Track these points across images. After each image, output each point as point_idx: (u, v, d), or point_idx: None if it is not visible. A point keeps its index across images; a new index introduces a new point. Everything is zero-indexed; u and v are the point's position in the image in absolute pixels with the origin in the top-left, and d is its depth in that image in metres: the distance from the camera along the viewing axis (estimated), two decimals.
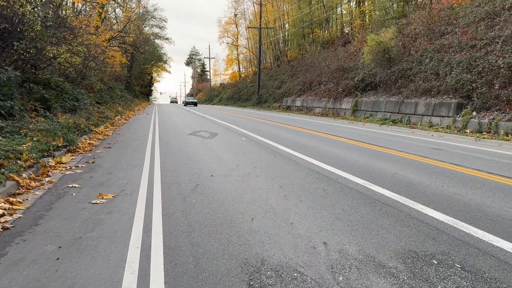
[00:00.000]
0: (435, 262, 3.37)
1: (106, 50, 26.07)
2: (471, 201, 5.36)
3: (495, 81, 15.41)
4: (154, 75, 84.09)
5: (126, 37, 38.34)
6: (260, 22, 49.03)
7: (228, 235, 3.99)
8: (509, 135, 13.54)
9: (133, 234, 3.98)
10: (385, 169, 7.63)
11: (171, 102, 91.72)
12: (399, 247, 3.70)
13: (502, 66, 15.16)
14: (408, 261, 3.39)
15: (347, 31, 40.29)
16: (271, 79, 49.37)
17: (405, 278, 3.08)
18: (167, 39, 59.92)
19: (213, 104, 68.18)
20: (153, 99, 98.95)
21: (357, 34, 33.50)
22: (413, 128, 17.74)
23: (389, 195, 5.60)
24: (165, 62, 71.55)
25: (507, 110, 14.51)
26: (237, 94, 60.98)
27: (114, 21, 41.84)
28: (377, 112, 22.26)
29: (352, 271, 3.19)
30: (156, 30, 57.07)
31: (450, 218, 4.56)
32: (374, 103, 22.78)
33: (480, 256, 3.52)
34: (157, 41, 60.55)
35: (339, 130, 16.78)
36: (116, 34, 35.22)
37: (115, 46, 34.20)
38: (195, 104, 56.00)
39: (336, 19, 42.78)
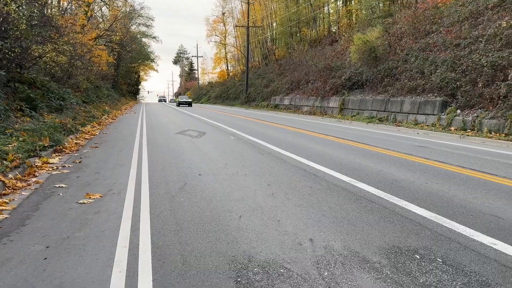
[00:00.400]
0: (417, 256, 3.47)
1: (93, 49, 25.83)
2: (454, 197, 5.49)
3: (478, 80, 15.70)
4: (142, 73, 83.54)
5: (112, 36, 38.02)
6: (248, 20, 49.04)
7: (216, 233, 4.03)
8: (492, 133, 13.82)
9: (121, 233, 4.00)
10: (371, 166, 7.74)
11: (159, 101, 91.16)
12: (383, 242, 3.79)
13: (485, 65, 15.45)
14: (391, 256, 3.48)
15: (334, 30, 40.56)
16: (259, 77, 49.43)
17: (389, 272, 3.16)
18: (154, 37, 59.69)
19: (201, 103, 68.02)
20: (141, 98, 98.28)
21: (344, 33, 33.74)
22: (399, 126, 17.98)
23: (374, 192, 5.70)
24: (152, 60, 71.14)
25: (490, 108, 14.81)
26: (226, 92, 60.92)
27: (101, 20, 41.45)
28: (364, 110, 22.49)
29: (337, 267, 3.26)
30: (143, 28, 56.77)
31: (433, 214, 4.67)
32: (361, 102, 23.01)
33: (461, 250, 3.63)
34: (144, 39, 60.26)
35: (326, 128, 16.92)
36: (102, 32, 34.90)
37: (101, 45, 33.88)
38: (189, 104, 49.44)
39: (323, 18, 43.01)
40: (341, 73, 26.82)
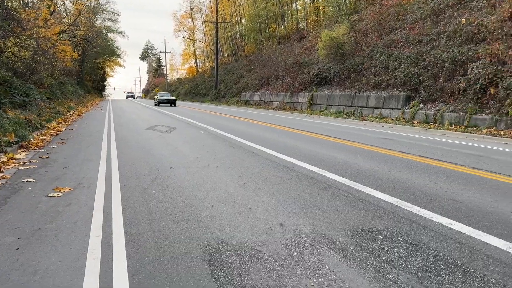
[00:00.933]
0: (380, 237, 3.69)
1: (56, 44, 25.08)
2: (416, 183, 5.80)
3: (440, 75, 16.38)
4: (107, 69, 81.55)
5: (77, 31, 36.97)
6: (217, 16, 48.84)
7: (189, 221, 4.12)
8: (453, 125, 14.49)
9: (93, 224, 4.02)
10: (338, 157, 8.01)
11: (127, 98, 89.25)
12: (348, 225, 4.00)
13: (446, 60, 16.14)
14: (356, 237, 3.69)
15: (302, 27, 41.04)
16: (229, 73, 49.38)
17: (353, 251, 3.36)
18: (120, 32, 58.30)
19: None
20: (107, 95, 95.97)
21: (312, 30, 34.24)
22: (365, 120, 18.51)
23: (341, 180, 5.94)
24: (118, 56, 69.57)
25: (451, 101, 15.50)
26: (195, 89, 60.48)
27: (64, 14, 40.18)
28: (332, 105, 22.97)
29: (305, 247, 3.43)
30: (108, 23, 55.34)
31: (395, 199, 4.94)
32: (329, 97, 23.48)
33: (420, 230, 3.88)
34: (109, 34, 58.78)
35: (296, 123, 17.21)
36: (66, 27, 33.90)
37: (65, 40, 32.90)
38: (172, 103, 37.33)
39: (292, 14, 43.42)
40: (309, 69, 27.24)
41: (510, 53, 13.79)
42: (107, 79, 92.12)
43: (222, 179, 6.03)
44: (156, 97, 40.80)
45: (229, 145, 9.76)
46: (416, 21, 20.39)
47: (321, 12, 36.72)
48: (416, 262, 3.14)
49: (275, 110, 28.88)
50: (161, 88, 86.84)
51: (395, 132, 13.72)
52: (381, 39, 21.77)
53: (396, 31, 21.18)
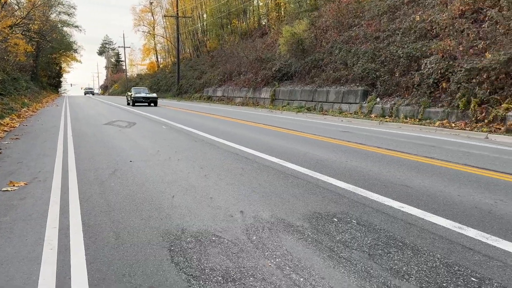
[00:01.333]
0: (335, 220, 3.85)
1: (8, 37, 23.87)
2: (370, 171, 6.05)
3: (395, 70, 17.01)
4: (63, 65, 78.50)
5: (30, 24, 35.30)
6: (177, 10, 48.13)
7: (149, 211, 4.12)
8: (408, 118, 15.11)
9: (49, 216, 3.94)
10: (298, 149, 8.20)
11: (85, 94, 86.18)
12: (306, 210, 4.14)
13: (401, 56, 16.76)
14: (313, 220, 3.83)
15: (264, 23, 41.23)
16: (191, 69, 48.86)
17: (310, 233, 3.49)
18: (76, 26, 56.25)
19: None
20: (63, 91, 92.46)
21: (273, 26, 34.49)
22: (326, 114, 18.93)
23: (300, 170, 6.10)
24: (75, 51, 67.08)
25: (406, 95, 16.14)
26: (156, 84, 59.36)
27: (16, 7, 38.25)
28: (294, 100, 23.29)
29: (264, 232, 3.53)
30: (64, 17, 53.21)
31: (351, 185, 5.14)
32: (291, 92, 23.80)
33: (373, 213, 4.08)
34: (65, 28, 56.53)
35: (259, 117, 17.36)
36: (19, 20, 32.28)
37: (18, 34, 31.37)
38: (151, 102, 27.78)
39: (253, 10, 43.52)
40: (271, 65, 27.46)
41: (460, 48, 14.54)
42: (64, 75, 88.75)
43: (184, 171, 6.03)
44: (129, 94, 30.02)
45: (191, 139, 9.73)
46: (373, 18, 21.02)
47: (282, 9, 37.06)
48: (368, 242, 3.32)
49: (238, 105, 28.93)
50: (121, 84, 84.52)
51: (353, 126, 14.15)
52: (340, 36, 22.29)
53: (354, 28, 21.76)
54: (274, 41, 30.39)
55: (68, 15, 53.07)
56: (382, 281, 2.65)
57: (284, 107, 23.25)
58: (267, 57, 29.05)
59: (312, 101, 21.57)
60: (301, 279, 2.66)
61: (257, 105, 26.92)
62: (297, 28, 23.89)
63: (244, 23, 43.99)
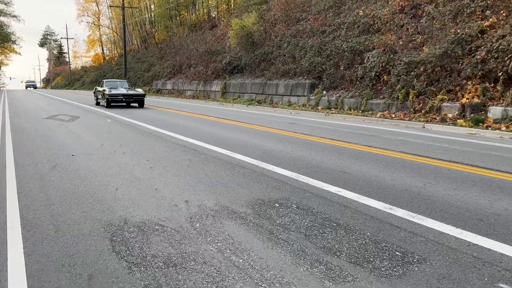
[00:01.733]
0: (277, 205, 4.02)
1: None
2: (313, 160, 6.31)
3: (340, 63, 17.59)
4: (1, 57, 73.52)
5: None
6: (123, 1, 46.54)
7: (91, 204, 4.07)
8: (352, 110, 15.73)
9: None
10: (246, 140, 8.33)
11: (26, 87, 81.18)
12: (250, 198, 4.27)
13: (346, 50, 17.36)
14: (256, 207, 3.97)
15: (214, 15, 40.93)
16: (139, 61, 47.56)
17: (252, 218, 3.63)
18: (15, 16, 52.99)
19: (74, 89, 62.71)
20: (2, 85, 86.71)
21: (223, 18, 34.35)
22: (275, 107, 19.25)
23: (247, 160, 6.23)
24: (13, 42, 63.07)
25: (350, 88, 16.77)
26: (102, 77, 56.97)
27: None
28: (244, 93, 23.44)
29: (208, 219, 3.62)
30: (1, 6, 49.80)
31: (294, 173, 5.35)
32: (241, 85, 23.92)
33: (312, 198, 4.29)
34: (2, 18, 52.95)
35: (209, 110, 17.32)
36: None
37: None
38: (137, 101, 19.28)
39: (203, 2, 43.02)
40: (221, 58, 27.39)
41: (400, 42, 15.32)
42: (1, 68, 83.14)
43: (129, 164, 5.97)
44: (100, 89, 20.20)
45: (138, 132, 9.58)
46: (319, 12, 21.55)
47: (232, 1, 36.96)
48: (305, 224, 3.50)
49: (189, 98, 28.63)
50: (64, 77, 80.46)
51: (301, 118, 14.53)
52: (288, 29, 22.66)
53: (302, 22, 22.20)
54: (224, 33, 30.29)
55: (5, 4, 49.83)
56: (315, 258, 2.83)
57: (235, 100, 23.33)
58: (217, 49, 28.93)
59: (263, 93, 21.82)
60: (240, 260, 2.79)
61: (208, 98, 26.80)
62: (246, 21, 23.98)
63: (194, 15, 43.42)
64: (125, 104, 19.05)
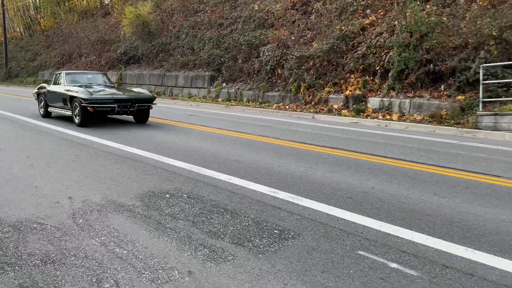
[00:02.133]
0: (167, 196, 4.06)
1: None
2: (208, 151, 6.43)
3: (238, 56, 17.96)
4: None
5: None
6: None
7: None
8: (250, 102, 16.21)
9: None
10: (141, 132, 8.15)
11: None
12: (140, 190, 4.24)
13: (243, 43, 17.76)
14: (145, 199, 3.96)
15: (107, 2, 38.58)
16: (22, 50, 42.92)
17: (140, 210, 3.62)
18: None
19: None
20: None
21: (116, 6, 32.60)
22: (175, 99, 18.99)
23: (140, 153, 6.12)
24: None
25: (248, 81, 17.25)
26: None
27: None
28: (142, 85, 22.58)
29: (92, 214, 3.52)
30: None
31: (188, 164, 5.41)
32: (139, 76, 23.07)
33: (204, 187, 4.41)
34: None
35: None
36: None
37: None
38: (140, 111, 9.68)
39: None
40: (116, 47, 26.05)
41: (292, 38, 16.14)
42: None
43: (6, 161, 5.47)
44: (55, 91, 10.52)
45: (20, 127, 8.76)
46: (216, 4, 21.64)
47: None
48: (195, 212, 3.61)
49: None
50: None
51: (201, 109, 14.57)
52: (186, 20, 22.38)
53: (200, 13, 22.08)
54: (118, 22, 28.75)
55: None
56: (200, 242, 2.96)
57: None
58: (111, 38, 27.39)
59: (162, 85, 21.33)
60: (124, 252, 2.79)
61: None
62: (141, 10, 23.09)
63: (84, 1, 40.42)
64: (115, 114, 9.58)
